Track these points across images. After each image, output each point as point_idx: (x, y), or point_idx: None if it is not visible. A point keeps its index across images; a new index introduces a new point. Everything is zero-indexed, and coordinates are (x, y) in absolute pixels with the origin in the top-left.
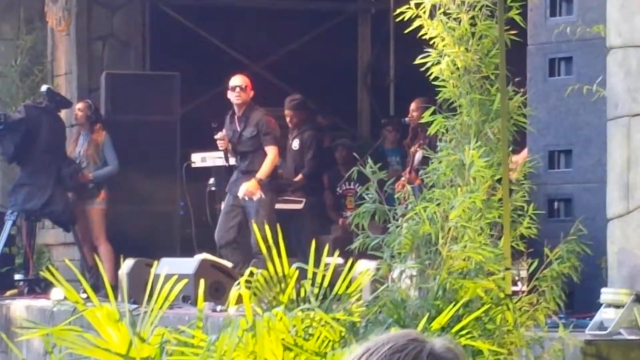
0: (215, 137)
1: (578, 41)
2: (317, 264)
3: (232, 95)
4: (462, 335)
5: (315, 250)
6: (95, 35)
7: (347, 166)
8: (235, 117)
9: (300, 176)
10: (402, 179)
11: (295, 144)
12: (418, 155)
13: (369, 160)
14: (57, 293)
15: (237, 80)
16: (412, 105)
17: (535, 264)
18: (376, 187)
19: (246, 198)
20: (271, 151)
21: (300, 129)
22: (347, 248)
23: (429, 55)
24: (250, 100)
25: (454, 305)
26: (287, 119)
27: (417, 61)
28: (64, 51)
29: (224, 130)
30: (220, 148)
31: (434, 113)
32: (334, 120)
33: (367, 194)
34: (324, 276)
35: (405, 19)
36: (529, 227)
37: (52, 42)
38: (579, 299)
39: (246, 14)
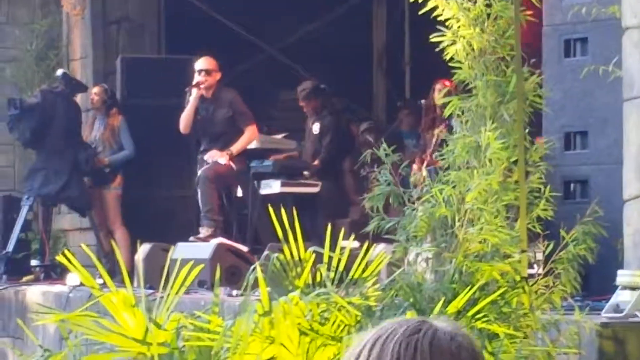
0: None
1: (593, 22)
2: (333, 247)
3: (197, 79)
4: (477, 319)
5: (331, 234)
6: (110, 19)
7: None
8: (206, 99)
9: (317, 161)
10: (416, 165)
11: (316, 128)
12: (438, 138)
13: (384, 142)
14: (73, 278)
15: (201, 63)
16: (437, 86)
17: (552, 246)
18: (390, 170)
19: (209, 160)
20: (250, 129)
21: (320, 114)
22: (361, 231)
23: (443, 35)
24: (219, 82)
25: (470, 289)
26: (304, 109)
27: (432, 39)
28: (79, 35)
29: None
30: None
31: (449, 94)
32: (348, 103)
33: (381, 177)
34: (339, 260)
35: (420, 0)
36: (545, 209)
37: (68, 26)
38: (595, 281)
39: None
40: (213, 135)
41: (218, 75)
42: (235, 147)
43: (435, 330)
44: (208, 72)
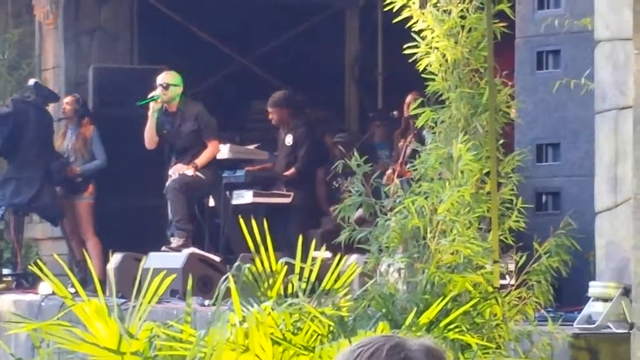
0: (153, 94)
1: (566, 34)
2: (305, 258)
3: (154, 93)
4: (450, 330)
5: (303, 245)
6: (83, 29)
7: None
8: (170, 113)
9: (292, 170)
10: (389, 171)
11: (289, 139)
12: (409, 149)
13: (355, 153)
14: (45, 287)
15: (160, 77)
16: (408, 98)
17: (524, 258)
18: (362, 180)
19: (176, 175)
20: (212, 144)
21: (291, 124)
22: (333, 242)
23: (417, 46)
24: (182, 95)
25: (442, 299)
26: (270, 117)
27: (407, 51)
28: (52, 45)
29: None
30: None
31: (422, 105)
32: (322, 114)
33: (353, 187)
34: (311, 270)
35: (395, 9)
36: (518, 221)
37: (40, 36)
38: (567, 293)
39: (234, 7)
40: (180, 149)
41: (178, 90)
42: (200, 161)
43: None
44: (165, 87)
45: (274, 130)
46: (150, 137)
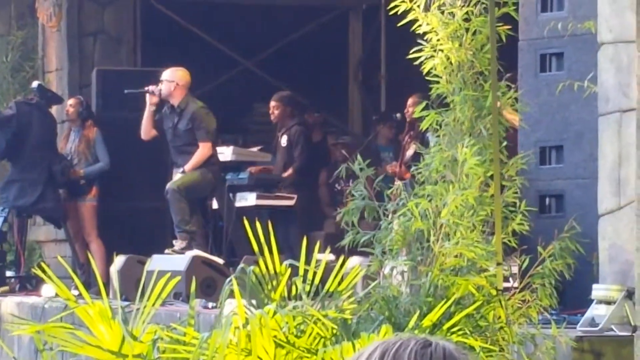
0: (147, 88)
1: (569, 37)
2: (308, 260)
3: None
4: (453, 332)
5: (306, 247)
6: (86, 31)
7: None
8: (174, 109)
9: (290, 171)
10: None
11: (284, 141)
12: (410, 151)
13: (358, 156)
14: (48, 290)
15: (163, 74)
16: (409, 101)
17: (527, 261)
18: (365, 184)
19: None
20: (203, 146)
21: (287, 125)
22: (337, 245)
23: (422, 50)
24: (186, 93)
25: (446, 302)
26: (270, 111)
27: (411, 55)
28: (55, 47)
29: (158, 85)
30: (148, 101)
31: (426, 108)
32: (325, 117)
33: (356, 191)
34: (314, 273)
35: (399, 12)
36: (521, 224)
37: (43, 38)
38: (570, 295)
39: (237, 10)
40: (177, 147)
41: (171, 85)
42: (188, 166)
43: (444, 345)
44: (164, 82)
45: (273, 133)
46: (145, 128)
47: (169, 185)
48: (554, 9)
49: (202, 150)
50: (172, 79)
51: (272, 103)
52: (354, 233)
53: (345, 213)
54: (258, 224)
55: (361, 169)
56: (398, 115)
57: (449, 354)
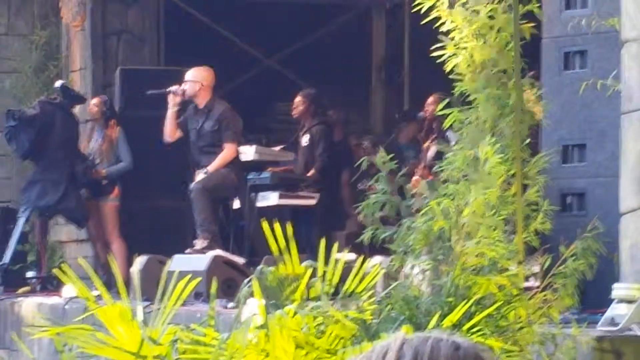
0: (170, 89)
1: (593, 34)
2: (328, 260)
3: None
4: (473, 333)
5: (326, 247)
6: (110, 31)
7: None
8: (198, 110)
9: (312, 171)
10: (415, 177)
11: (305, 140)
12: (431, 151)
13: (381, 150)
14: (68, 290)
15: (187, 74)
16: (429, 99)
17: (549, 260)
18: (387, 178)
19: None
20: (229, 148)
21: (309, 123)
22: (356, 240)
23: (445, 46)
24: (212, 94)
25: (467, 302)
26: (294, 106)
27: (435, 53)
28: (79, 46)
29: (181, 85)
30: (170, 101)
31: (448, 107)
32: (342, 115)
33: (378, 184)
34: (334, 273)
35: (423, 10)
36: (543, 223)
37: (67, 38)
38: (591, 295)
39: (260, 8)
40: (201, 148)
41: (200, 86)
42: (212, 167)
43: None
44: (189, 82)
45: (293, 133)
46: (169, 130)
47: (193, 185)
48: (578, 6)
49: (228, 152)
50: (197, 79)
51: (298, 99)
52: (374, 228)
53: (365, 207)
54: (278, 224)
55: (384, 163)
56: (421, 113)
57: (478, 357)
